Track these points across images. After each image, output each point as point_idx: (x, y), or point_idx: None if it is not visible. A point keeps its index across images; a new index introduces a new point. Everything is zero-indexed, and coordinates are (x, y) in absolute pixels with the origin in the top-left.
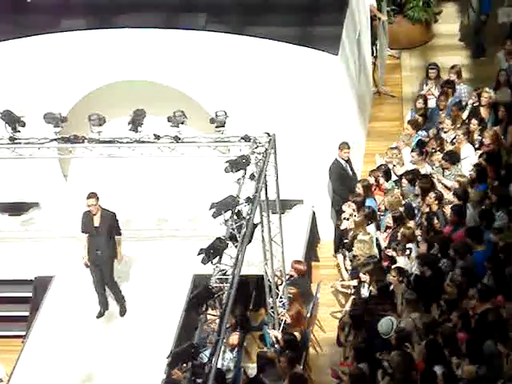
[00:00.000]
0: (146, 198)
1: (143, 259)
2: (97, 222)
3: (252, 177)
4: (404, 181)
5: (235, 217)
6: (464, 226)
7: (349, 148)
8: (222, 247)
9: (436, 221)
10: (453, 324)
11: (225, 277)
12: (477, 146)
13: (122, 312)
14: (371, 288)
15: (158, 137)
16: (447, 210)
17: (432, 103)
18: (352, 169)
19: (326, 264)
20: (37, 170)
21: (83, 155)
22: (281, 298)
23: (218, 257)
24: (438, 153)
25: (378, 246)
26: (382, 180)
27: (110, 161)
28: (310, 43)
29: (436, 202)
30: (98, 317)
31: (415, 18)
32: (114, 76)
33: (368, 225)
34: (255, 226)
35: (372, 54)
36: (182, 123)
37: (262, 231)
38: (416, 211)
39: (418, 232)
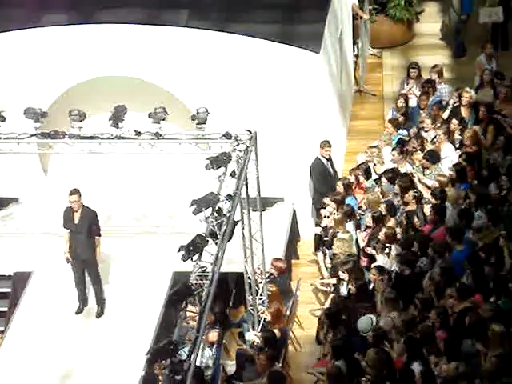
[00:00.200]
0: (126, 194)
1: (123, 255)
2: (77, 219)
3: (233, 174)
4: (384, 179)
5: (216, 214)
6: (443, 224)
7: (330, 146)
8: (202, 244)
9: (416, 219)
10: (431, 322)
11: (205, 274)
12: (457, 145)
13: (99, 314)
14: (350, 286)
15: (138, 133)
16: (427, 209)
17: (413, 102)
18: (333, 167)
19: (306, 262)
20: (16, 165)
21: (63, 151)
22: (261, 295)
23: (197, 254)
24: (419, 152)
25: (358, 244)
26: (362, 178)
27: (91, 156)
28: (292, 41)
29: (414, 201)
30: (76, 313)
31: (397, 17)
32: (94, 72)
33: (346, 222)
34: (236, 223)
35: (354, 53)
36: (163, 120)
37: (243, 228)
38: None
39: (398, 230)
